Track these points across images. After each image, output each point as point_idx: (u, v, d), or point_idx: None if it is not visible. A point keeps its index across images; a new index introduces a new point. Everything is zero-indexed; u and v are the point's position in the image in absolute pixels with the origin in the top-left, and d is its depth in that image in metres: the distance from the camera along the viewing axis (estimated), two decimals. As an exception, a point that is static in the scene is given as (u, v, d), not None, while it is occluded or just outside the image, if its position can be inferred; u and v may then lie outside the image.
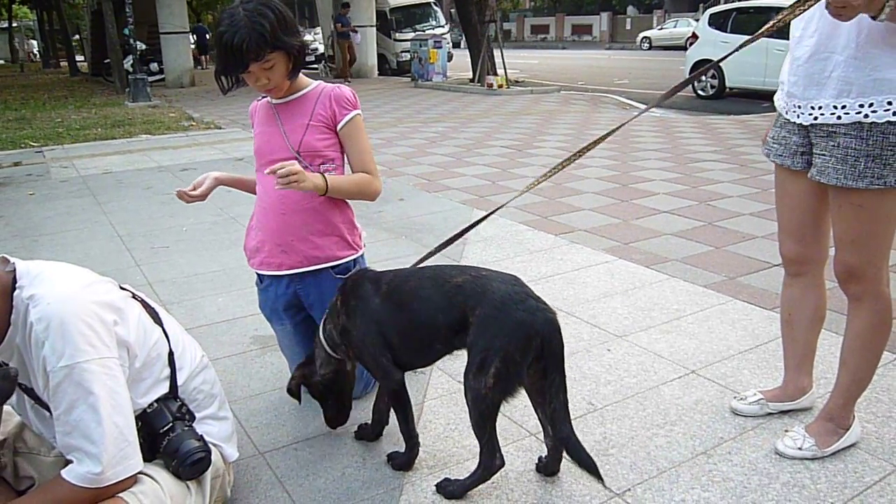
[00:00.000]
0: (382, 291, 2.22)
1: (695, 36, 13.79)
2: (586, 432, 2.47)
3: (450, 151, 8.30)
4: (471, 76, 16.52)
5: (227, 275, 4.20)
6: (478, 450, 2.10)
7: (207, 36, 27.47)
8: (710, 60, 12.75)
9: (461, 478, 2.16)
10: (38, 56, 42.02)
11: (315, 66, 21.71)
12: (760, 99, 12.12)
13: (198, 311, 3.65)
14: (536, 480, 2.22)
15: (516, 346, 1.96)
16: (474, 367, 1.99)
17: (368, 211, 5.18)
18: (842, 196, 2.07)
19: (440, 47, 17.74)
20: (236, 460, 2.14)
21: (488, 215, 2.70)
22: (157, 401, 1.82)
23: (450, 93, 15.56)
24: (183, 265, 4.42)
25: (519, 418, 2.57)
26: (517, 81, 16.22)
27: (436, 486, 2.18)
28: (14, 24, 41.76)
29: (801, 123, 2.13)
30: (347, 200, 2.62)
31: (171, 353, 1.88)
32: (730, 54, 2.28)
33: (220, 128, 10.70)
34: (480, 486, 2.16)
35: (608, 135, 2.53)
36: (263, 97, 2.56)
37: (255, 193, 2.65)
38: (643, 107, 12.18)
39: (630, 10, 42.60)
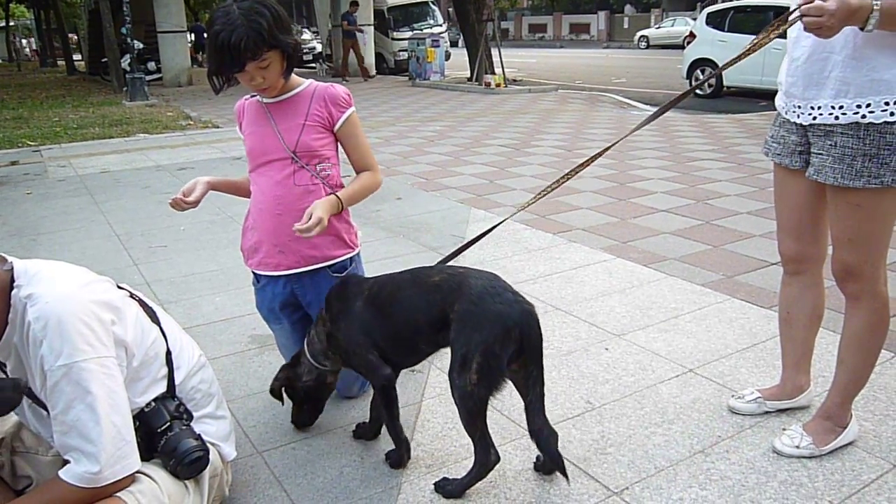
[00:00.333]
0: (365, 297, 2.26)
1: (692, 35, 13.79)
2: (584, 431, 2.47)
3: (447, 150, 8.30)
4: (468, 75, 16.51)
5: (224, 274, 4.19)
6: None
7: (205, 35, 27.43)
8: (707, 59, 12.79)
9: (459, 477, 2.16)
10: (31, 53, 41.94)
11: (313, 65, 21.71)
12: (758, 98, 12.14)
13: (195, 311, 3.65)
14: (534, 479, 2.22)
15: (495, 338, 1.97)
16: (457, 364, 2.01)
17: (366, 210, 5.18)
18: (839, 195, 2.08)
19: (438, 46, 17.74)
20: (234, 459, 2.14)
21: (501, 223, 2.72)
22: (154, 400, 1.82)
23: (447, 92, 15.55)
24: (181, 264, 4.42)
25: (517, 417, 2.57)
26: (515, 80, 16.22)
27: (434, 485, 2.18)
28: (11, 24, 41.69)
29: (800, 123, 2.13)
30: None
31: (168, 353, 1.87)
32: (731, 63, 2.28)
33: (218, 127, 10.69)
34: (478, 485, 2.16)
35: (605, 151, 2.53)
36: (252, 96, 2.54)
37: (247, 197, 2.64)
38: (640, 105, 12.21)
39: (628, 8, 42.61)
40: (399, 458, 2.31)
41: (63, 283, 1.66)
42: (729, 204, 5.50)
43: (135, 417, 1.77)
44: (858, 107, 1.96)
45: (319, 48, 23.44)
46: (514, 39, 45.21)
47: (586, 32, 43.24)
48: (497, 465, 2.22)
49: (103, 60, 19.99)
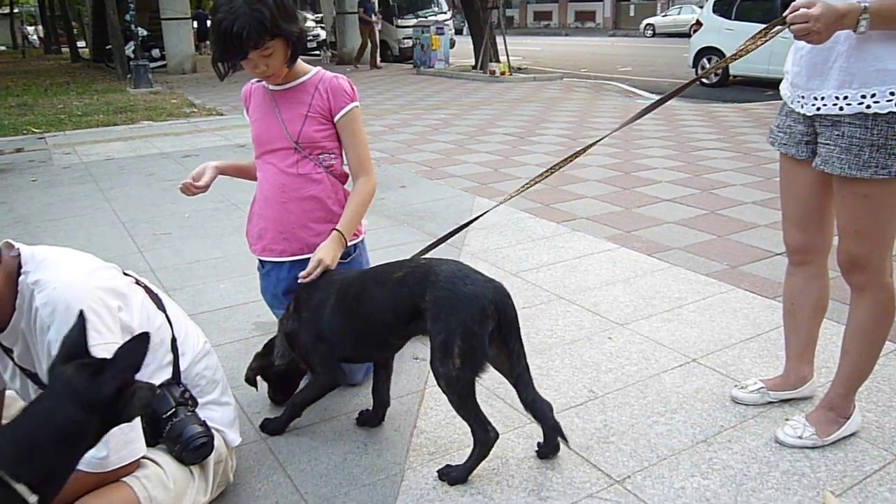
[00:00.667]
0: (331, 303, 2.27)
1: (699, 23, 13.69)
2: (587, 420, 2.48)
3: (452, 139, 8.29)
4: (473, 63, 16.45)
5: (229, 261, 4.20)
6: (479, 436, 2.12)
7: (208, 22, 27.36)
8: (714, 48, 12.70)
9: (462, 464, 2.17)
10: (39, 40, 41.88)
11: (317, 52, 21.64)
12: (764, 87, 12.07)
13: (200, 298, 3.66)
14: (537, 467, 2.23)
15: (472, 319, 2.00)
16: (438, 351, 2.03)
17: (370, 198, 5.18)
18: (846, 186, 2.07)
19: (442, 34, 17.66)
20: (239, 445, 2.15)
21: (495, 206, 2.71)
22: (160, 386, 1.82)
23: (452, 80, 15.51)
24: (185, 251, 4.43)
25: (520, 406, 2.57)
26: (520, 68, 16.16)
27: (437, 472, 2.19)
28: (15, 10, 41.61)
29: (804, 113, 2.13)
30: (346, 188, 2.62)
31: (174, 339, 1.88)
32: (738, 55, 2.26)
33: (222, 114, 10.68)
34: (482, 473, 2.17)
35: (604, 138, 2.52)
36: (259, 80, 2.54)
37: (254, 180, 2.65)
38: (646, 94, 12.15)
39: (634, -4, 42.33)
40: (281, 424, 2.43)
41: (70, 270, 1.67)
42: (734, 193, 5.48)
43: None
44: (863, 97, 1.95)
45: (323, 35, 23.35)
46: (518, 27, 44.97)
47: (592, 20, 42.97)
48: (500, 453, 2.24)
49: (107, 48, 19.95)
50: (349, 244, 2.57)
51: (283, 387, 2.59)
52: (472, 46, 16.73)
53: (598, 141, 2.61)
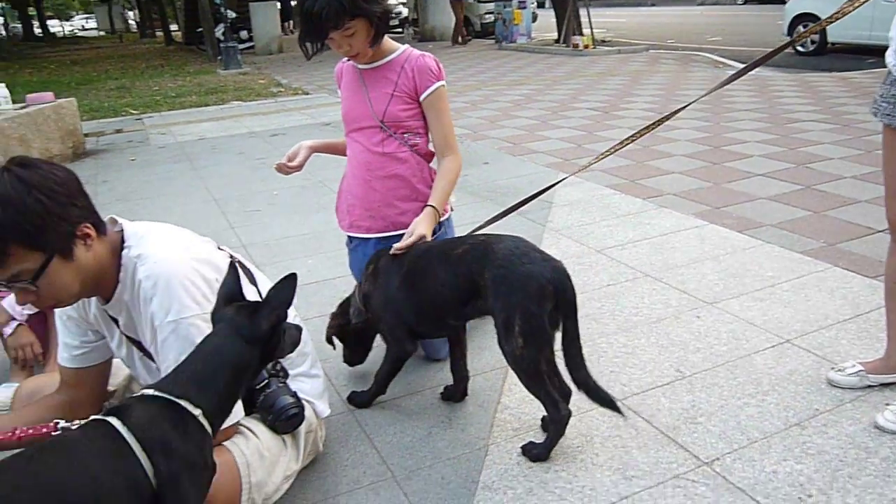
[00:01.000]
0: (402, 273, 2.28)
1: (795, -13, 13.01)
2: (674, 400, 2.44)
3: (535, 114, 8.20)
4: (556, 37, 16.17)
5: (316, 238, 4.30)
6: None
7: (292, 2, 27.87)
8: (810, 15, 12.03)
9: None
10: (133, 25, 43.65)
11: (399, 29, 21.72)
12: (865, 54, 11.39)
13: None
14: (622, 446, 2.22)
15: (531, 298, 1.98)
16: (502, 330, 2.04)
17: (453, 175, 5.20)
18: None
19: (525, 7, 17.39)
20: (328, 417, 2.22)
21: (561, 180, 2.68)
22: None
23: (534, 54, 15.29)
24: (274, 228, 4.56)
25: (605, 383, 2.54)
26: (604, 41, 15.79)
27: (521, 448, 2.20)
28: (113, -4, 43.44)
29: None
30: (431, 167, 2.64)
31: (266, 313, 1.95)
32: (828, 22, 2.15)
33: (308, 93, 10.89)
34: (566, 451, 2.18)
35: (692, 102, 2.44)
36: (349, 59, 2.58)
37: (346, 156, 2.71)
38: (737, 65, 11.67)
39: (725, -38, 40.57)
40: (368, 397, 2.50)
41: (171, 244, 1.75)
42: (832, 168, 5.22)
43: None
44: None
45: (406, 12, 23.41)
46: (603, -2, 43.86)
47: (680, -11, 41.47)
48: (585, 431, 2.24)
49: (198, 30, 20.62)
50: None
51: (357, 348, 2.64)
52: (554, 20, 16.44)
53: (681, 110, 2.52)
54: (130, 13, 46.80)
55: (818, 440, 2.19)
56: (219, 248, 1.93)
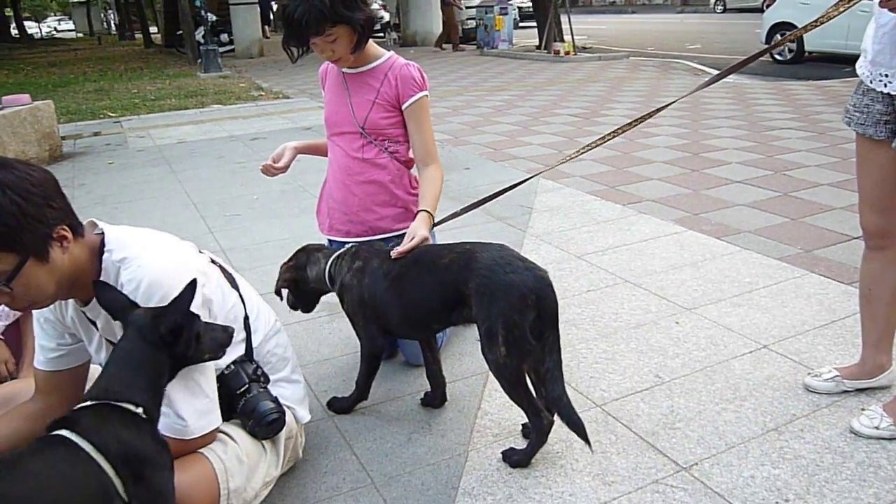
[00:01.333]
0: (392, 276, 2.26)
1: (773, -4, 13.18)
2: (653, 405, 2.45)
3: (516, 120, 8.23)
4: (537, 43, 16.25)
5: (296, 242, 4.23)
6: (543, 419, 2.12)
7: (274, 6, 27.79)
8: (788, 23, 12.19)
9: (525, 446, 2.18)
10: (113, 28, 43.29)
11: (381, 34, 21.70)
12: (842, 63, 11.56)
13: (269, 278, 3.71)
14: (601, 451, 2.22)
15: (513, 307, 1.98)
16: (485, 339, 2.04)
17: (434, 180, 5.20)
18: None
19: (506, 14, 17.47)
20: (307, 423, 2.21)
21: (532, 177, 2.68)
22: (233, 363, 1.89)
23: (515, 60, 15.36)
24: (254, 232, 4.54)
25: (584, 389, 2.57)
26: (585, 48, 15.89)
27: (501, 454, 2.21)
28: (92, -2, 43.04)
29: (888, 93, 2.03)
30: (412, 173, 2.64)
31: (246, 317, 1.94)
32: (811, 27, 2.18)
33: (289, 97, 10.84)
34: (546, 457, 2.18)
35: (672, 103, 2.46)
36: None
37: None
38: (716, 73, 11.77)
39: (704, -29, 40.98)
40: (347, 403, 2.49)
41: (154, 249, 1.74)
42: (808, 175, 5.29)
43: (216, 380, 1.84)
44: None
45: (387, 17, 23.40)
46: (584, 5, 44.14)
47: (660, -3, 41.83)
48: (565, 437, 2.24)
49: (178, 33, 20.46)
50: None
51: (306, 302, 2.58)
52: (535, 26, 16.52)
53: (665, 107, 2.53)
54: (107, 14, 46.43)
55: (795, 445, 2.21)
56: (199, 252, 1.91)
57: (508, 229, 4.32)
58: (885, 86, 2.03)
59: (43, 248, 1.55)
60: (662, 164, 5.82)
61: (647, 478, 2.10)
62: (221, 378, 1.86)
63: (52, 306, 1.75)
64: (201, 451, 1.73)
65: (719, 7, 31.36)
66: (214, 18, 18.74)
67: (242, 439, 1.84)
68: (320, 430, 2.42)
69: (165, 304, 1.62)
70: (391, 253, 2.31)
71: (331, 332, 3.13)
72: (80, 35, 43.17)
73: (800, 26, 2.20)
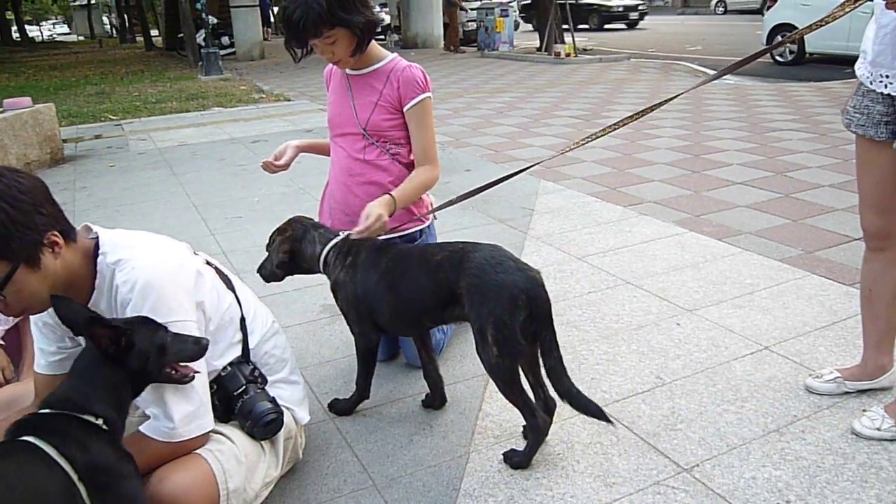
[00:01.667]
0: (381, 269, 2.26)
1: (773, -2, 13.18)
2: (654, 406, 2.45)
3: (517, 122, 8.23)
4: (538, 45, 16.25)
5: (297, 245, 4.27)
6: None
7: (272, 10, 27.90)
8: (789, 24, 12.19)
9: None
10: (113, 31, 43.36)
11: (381, 36, 21.72)
12: (843, 64, 11.56)
13: (269, 280, 3.74)
14: (603, 453, 2.22)
15: (503, 308, 1.98)
16: (477, 338, 2.04)
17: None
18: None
19: (507, 16, 17.48)
20: (308, 424, 2.21)
21: (517, 173, 2.67)
22: (230, 364, 1.88)
23: (516, 62, 15.36)
24: (255, 235, 4.54)
25: (586, 391, 2.55)
26: (585, 50, 15.90)
27: (502, 455, 2.20)
28: (93, 1, 43.11)
29: (888, 94, 2.03)
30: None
31: (242, 318, 1.94)
32: (816, 26, 2.17)
33: (289, 100, 10.86)
34: (548, 458, 2.18)
35: (679, 95, 2.45)
36: None
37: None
38: (717, 72, 11.76)
39: (705, -27, 40.97)
40: (347, 405, 2.49)
41: (148, 250, 1.74)
42: (810, 176, 5.29)
43: (213, 381, 1.84)
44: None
45: (388, 19, 23.43)
46: (585, 7, 44.14)
47: (660, -1, 41.83)
48: (566, 438, 2.25)
49: (179, 36, 20.49)
50: (413, 229, 2.60)
51: (284, 275, 2.53)
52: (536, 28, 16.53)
53: (667, 101, 2.52)
54: (111, 17, 46.50)
55: (796, 446, 2.20)
56: (195, 254, 1.91)
57: (509, 231, 4.32)
58: (886, 87, 2.03)
59: (34, 255, 1.55)
60: (663, 166, 5.82)
61: (648, 479, 2.09)
62: (218, 380, 1.86)
63: (49, 311, 1.76)
64: (198, 451, 1.73)
65: (720, 9, 31.38)
66: (215, 21, 18.76)
67: (240, 440, 1.84)
68: (321, 431, 2.42)
69: (161, 303, 1.63)
70: (371, 244, 2.31)
71: (332, 334, 3.13)
72: (81, 38, 43.23)
73: (800, 27, 2.19)
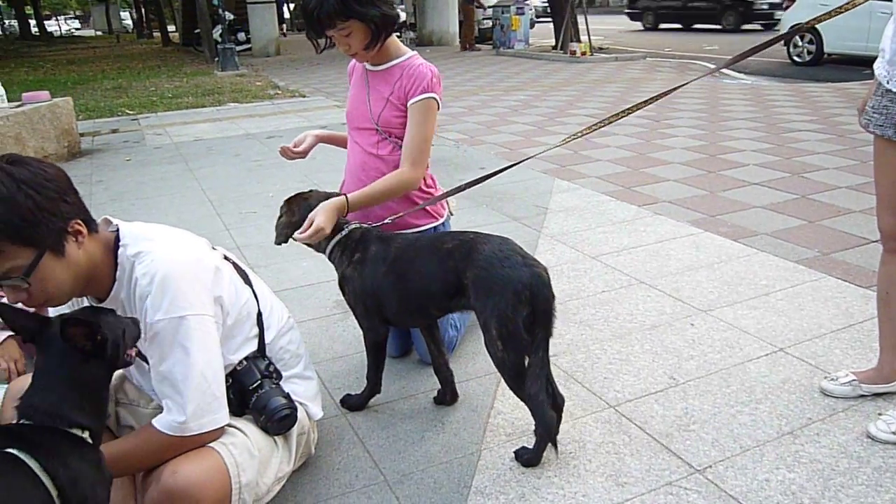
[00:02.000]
0: (389, 260, 2.27)
1: (792, -2, 13.07)
2: (667, 407, 2.44)
3: (532, 120, 8.21)
4: (553, 43, 16.21)
5: (311, 240, 4.29)
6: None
7: (285, 7, 27.99)
8: (808, 25, 12.07)
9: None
10: (131, 27, 43.65)
11: (397, 33, 21.73)
12: (861, 65, 11.44)
13: (283, 275, 3.76)
14: (615, 452, 2.21)
15: (506, 302, 1.98)
16: (484, 332, 2.06)
17: (449, 178, 5.19)
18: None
19: (523, 14, 17.44)
20: (320, 419, 2.21)
21: (519, 163, 2.67)
22: (246, 359, 1.89)
23: (532, 60, 15.33)
24: (270, 230, 4.51)
25: (598, 390, 2.56)
26: (601, 48, 15.84)
27: (514, 453, 2.20)
28: (111, -4, 43.37)
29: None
30: (428, 172, 2.63)
31: (259, 314, 1.94)
32: (821, 18, 2.15)
33: (304, 96, 10.89)
34: (560, 457, 2.17)
35: (681, 87, 2.44)
36: None
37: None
38: (734, 74, 11.72)
39: (723, -28, 40.63)
40: (359, 400, 2.50)
41: (168, 244, 1.75)
42: (827, 177, 5.24)
43: (228, 375, 1.85)
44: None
45: (403, 16, 23.44)
46: (600, 6, 44.01)
47: (677, -2, 41.57)
48: (578, 437, 2.24)
49: (196, 31, 20.60)
50: (427, 226, 2.61)
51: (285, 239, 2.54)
52: (552, 26, 16.48)
53: (646, 103, 2.50)
54: (124, 14, 46.83)
55: (810, 449, 2.19)
56: (213, 248, 1.92)
57: (524, 229, 4.31)
58: (906, 86, 2.01)
59: (59, 242, 1.57)
60: (679, 166, 5.79)
61: (660, 479, 2.08)
62: (234, 373, 1.86)
63: (67, 303, 1.77)
64: (212, 444, 1.73)
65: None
66: (232, 17, 18.85)
67: (254, 434, 1.85)
68: (334, 426, 2.43)
69: (180, 296, 1.63)
70: (378, 238, 2.32)
71: (344, 329, 3.14)
72: (99, 33, 43.54)
73: (819, 28, 2.16)
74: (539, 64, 14.59)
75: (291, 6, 36.18)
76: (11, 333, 2.60)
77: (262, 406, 1.85)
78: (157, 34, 31.87)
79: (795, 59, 12.75)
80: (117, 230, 1.75)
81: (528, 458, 2.17)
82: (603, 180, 5.41)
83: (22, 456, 1.35)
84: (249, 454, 1.80)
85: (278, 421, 1.87)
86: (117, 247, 1.72)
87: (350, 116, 2.62)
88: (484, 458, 2.23)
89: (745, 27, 20.29)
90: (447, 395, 2.52)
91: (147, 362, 1.75)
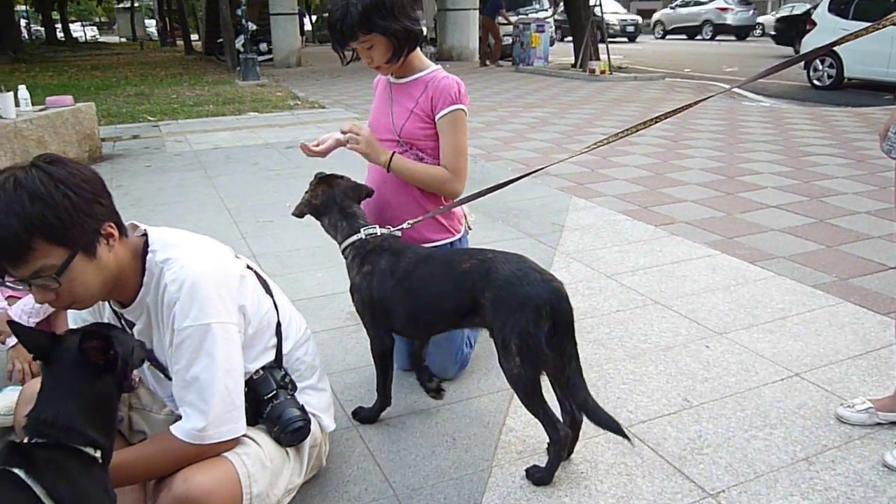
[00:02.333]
0: (399, 274, 2.28)
1: (812, 22, 13.02)
2: (680, 429, 2.42)
3: (549, 137, 8.22)
4: (573, 61, 16.24)
5: (326, 250, 4.29)
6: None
7: (306, 19, 28.27)
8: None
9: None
10: (155, 35, 44.16)
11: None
12: (883, 90, 11.40)
13: (298, 285, 3.78)
14: (626, 474, 2.20)
15: (527, 319, 2.00)
16: (500, 349, 2.07)
17: (466, 194, 5.20)
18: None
19: (543, 31, 17.49)
20: (332, 431, 2.21)
21: (539, 170, 2.66)
22: (262, 368, 1.90)
23: (551, 78, 15.36)
24: (286, 239, 4.58)
25: (611, 410, 2.53)
26: (620, 68, 15.84)
27: (525, 471, 2.19)
28: (136, 4, 44.00)
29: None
30: None
31: (278, 324, 1.95)
32: (840, 41, 2.14)
33: (324, 107, 10.96)
34: (571, 476, 2.17)
35: (698, 102, 2.43)
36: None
37: None
38: (753, 96, 11.69)
39: (744, -6, 40.67)
40: (371, 413, 2.51)
41: (196, 251, 1.77)
42: (846, 202, 5.21)
43: (244, 384, 1.85)
44: None
45: (425, 31, 23.59)
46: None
47: (698, 19, 41.57)
48: (589, 457, 2.23)
49: (219, 41, 20.80)
50: (443, 241, 2.62)
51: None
52: (572, 45, 16.52)
53: (655, 120, 2.49)
54: (148, 21, 47.40)
55: (825, 476, 2.16)
56: (236, 257, 1.93)
57: (539, 246, 4.31)
58: (930, 113, 2.00)
59: (91, 244, 1.59)
60: (696, 186, 5.77)
61: (672, 503, 2.06)
62: (250, 382, 1.87)
63: (91, 308, 1.78)
64: (225, 454, 1.73)
65: (758, 31, 31.07)
66: (254, 27, 19.04)
67: (267, 444, 1.85)
68: (345, 439, 2.43)
69: (207, 303, 1.64)
70: (389, 249, 2.34)
71: (357, 341, 3.14)
72: (123, 40, 44.10)
73: (839, 52, 2.16)
74: (558, 81, 14.62)
75: (313, 18, 36.51)
76: None
77: (276, 416, 1.86)
78: (180, 42, 32.21)
79: (815, 82, 12.70)
80: (145, 235, 1.77)
81: (539, 477, 2.16)
82: (620, 199, 5.40)
83: (28, 480, 1.33)
84: (261, 465, 1.80)
85: (292, 433, 1.87)
86: (146, 252, 1.73)
87: (373, 127, 2.64)
88: (495, 475, 2.22)
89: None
90: (424, 380, 2.64)
91: (163, 372, 1.76)
